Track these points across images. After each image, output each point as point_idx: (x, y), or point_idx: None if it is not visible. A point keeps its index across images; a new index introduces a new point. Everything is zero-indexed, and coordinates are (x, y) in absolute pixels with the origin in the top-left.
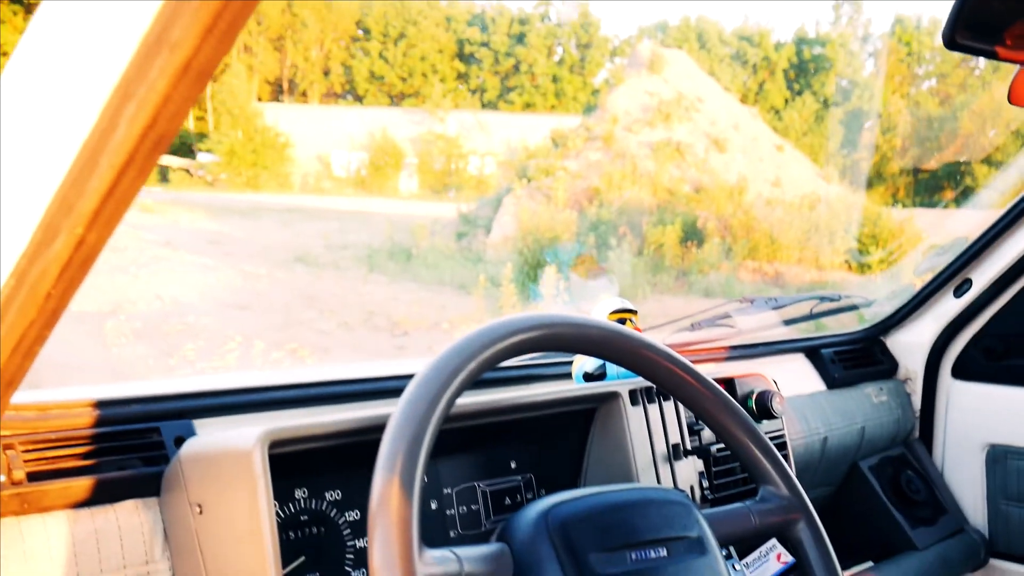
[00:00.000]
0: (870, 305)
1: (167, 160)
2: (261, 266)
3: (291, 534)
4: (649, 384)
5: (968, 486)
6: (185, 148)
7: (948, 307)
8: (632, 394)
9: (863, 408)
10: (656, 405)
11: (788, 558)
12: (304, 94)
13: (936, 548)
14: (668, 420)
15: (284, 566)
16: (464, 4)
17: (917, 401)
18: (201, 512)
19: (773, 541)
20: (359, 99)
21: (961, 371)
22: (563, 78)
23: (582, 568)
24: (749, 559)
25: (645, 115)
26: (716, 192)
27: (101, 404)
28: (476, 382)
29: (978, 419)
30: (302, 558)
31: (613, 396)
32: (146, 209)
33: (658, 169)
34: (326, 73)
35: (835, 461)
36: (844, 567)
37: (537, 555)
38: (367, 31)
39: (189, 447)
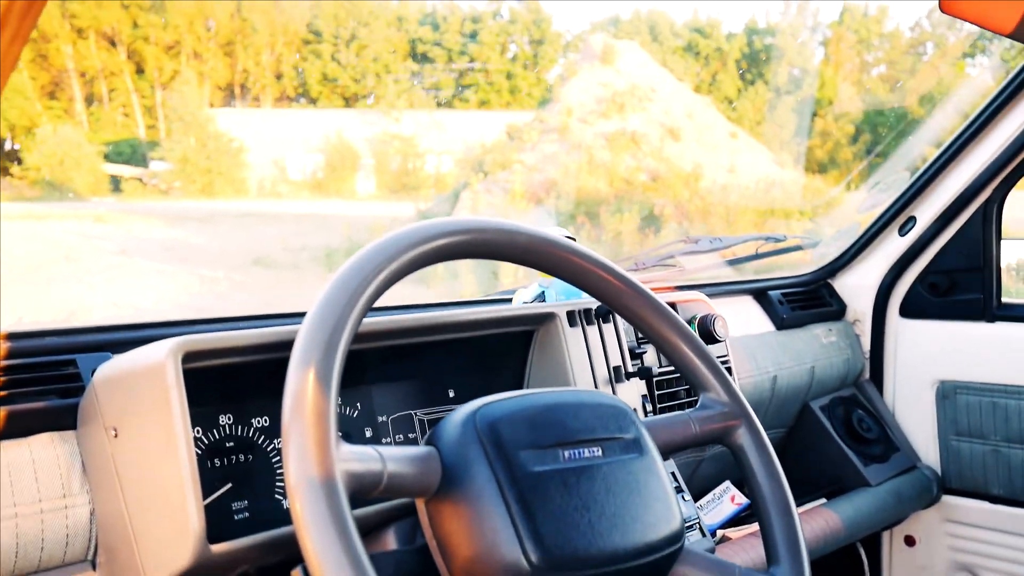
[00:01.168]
0: (815, 245)
1: (119, 170)
2: (218, 270)
3: (216, 461)
4: (587, 306)
5: (919, 424)
6: (138, 157)
7: (893, 246)
8: (570, 315)
9: (812, 348)
10: (595, 328)
11: (742, 499)
12: (257, 99)
13: (889, 484)
14: (608, 343)
15: (209, 494)
16: (415, 4)
17: (866, 342)
18: (116, 435)
19: (727, 483)
20: (313, 102)
21: (908, 310)
22: (517, 74)
23: (513, 466)
24: (703, 501)
25: (599, 106)
26: (672, 179)
27: (14, 336)
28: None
29: (927, 357)
30: (228, 485)
31: (550, 317)
32: (99, 219)
33: (614, 159)
34: (278, 77)
35: (786, 401)
36: (797, 504)
37: (465, 455)
38: (318, 33)
39: (103, 371)
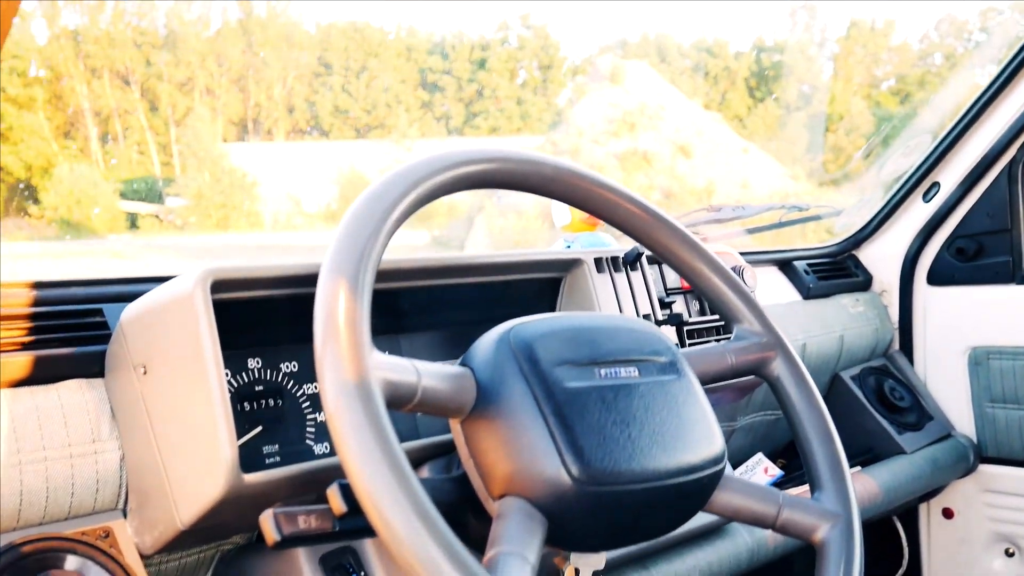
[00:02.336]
0: (838, 214)
1: (135, 207)
2: None
3: (247, 405)
4: (615, 253)
5: (952, 392)
6: (153, 194)
7: (918, 213)
8: (598, 262)
9: (840, 318)
10: (624, 275)
11: (775, 471)
12: (269, 132)
13: (925, 452)
14: (637, 290)
15: (240, 436)
16: (424, 33)
17: (894, 313)
18: (146, 372)
19: (759, 455)
20: (325, 134)
21: (936, 277)
22: (527, 100)
23: (549, 382)
24: (735, 473)
25: (610, 126)
26: (685, 196)
27: (40, 285)
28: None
29: (957, 323)
30: (259, 428)
31: (577, 263)
32: (116, 255)
33: (626, 177)
34: (290, 110)
35: (816, 370)
36: None
37: (500, 373)
38: (328, 66)
39: (130, 310)
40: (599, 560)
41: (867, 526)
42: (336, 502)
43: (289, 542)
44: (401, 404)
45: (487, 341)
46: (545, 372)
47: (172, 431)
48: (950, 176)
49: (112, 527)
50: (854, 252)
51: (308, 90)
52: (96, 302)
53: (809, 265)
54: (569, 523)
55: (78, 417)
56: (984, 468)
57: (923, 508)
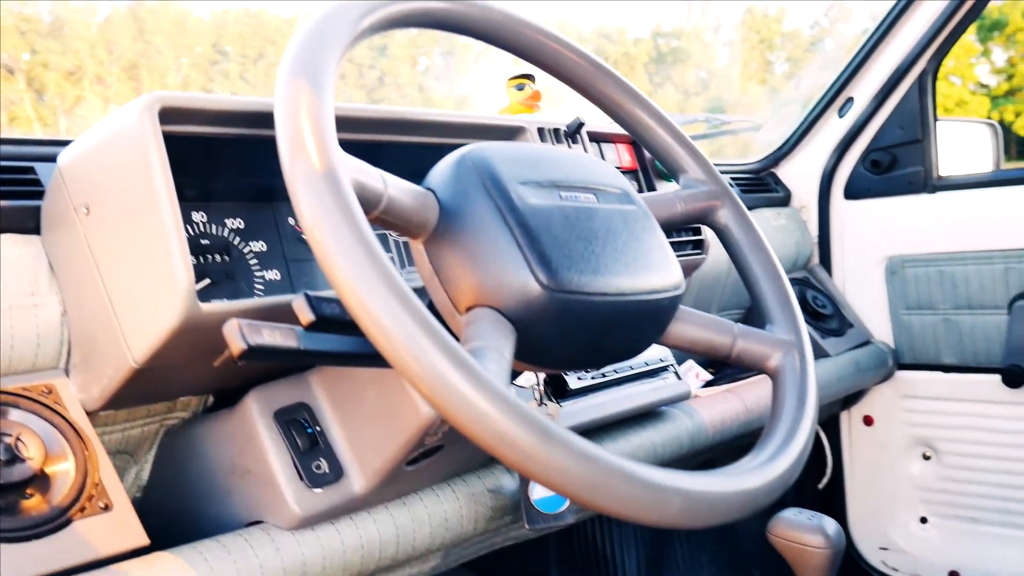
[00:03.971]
0: (758, 129)
1: None
2: None
3: (192, 259)
4: (556, 125)
5: (870, 302)
6: None
7: (834, 129)
8: (540, 132)
9: (763, 230)
10: (565, 147)
11: (706, 376)
12: None
13: (847, 355)
14: None
15: None
16: None
17: (813, 228)
18: (88, 212)
19: (690, 362)
20: None
21: (852, 191)
22: (429, 87)
23: (512, 198)
24: None
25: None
26: None
27: None
28: None
29: (873, 235)
30: (207, 280)
31: (520, 131)
32: None
33: None
34: None
35: (738, 291)
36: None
37: (462, 191)
38: (224, 53)
39: (68, 152)
40: (551, 419)
41: None
42: (303, 311)
43: (255, 354)
44: (367, 209)
45: (446, 163)
46: (508, 188)
47: (121, 267)
48: (863, 91)
49: (55, 384)
50: (773, 170)
51: (204, 78)
52: (28, 160)
53: (732, 179)
54: (537, 333)
55: (14, 271)
56: (901, 374)
57: (844, 416)
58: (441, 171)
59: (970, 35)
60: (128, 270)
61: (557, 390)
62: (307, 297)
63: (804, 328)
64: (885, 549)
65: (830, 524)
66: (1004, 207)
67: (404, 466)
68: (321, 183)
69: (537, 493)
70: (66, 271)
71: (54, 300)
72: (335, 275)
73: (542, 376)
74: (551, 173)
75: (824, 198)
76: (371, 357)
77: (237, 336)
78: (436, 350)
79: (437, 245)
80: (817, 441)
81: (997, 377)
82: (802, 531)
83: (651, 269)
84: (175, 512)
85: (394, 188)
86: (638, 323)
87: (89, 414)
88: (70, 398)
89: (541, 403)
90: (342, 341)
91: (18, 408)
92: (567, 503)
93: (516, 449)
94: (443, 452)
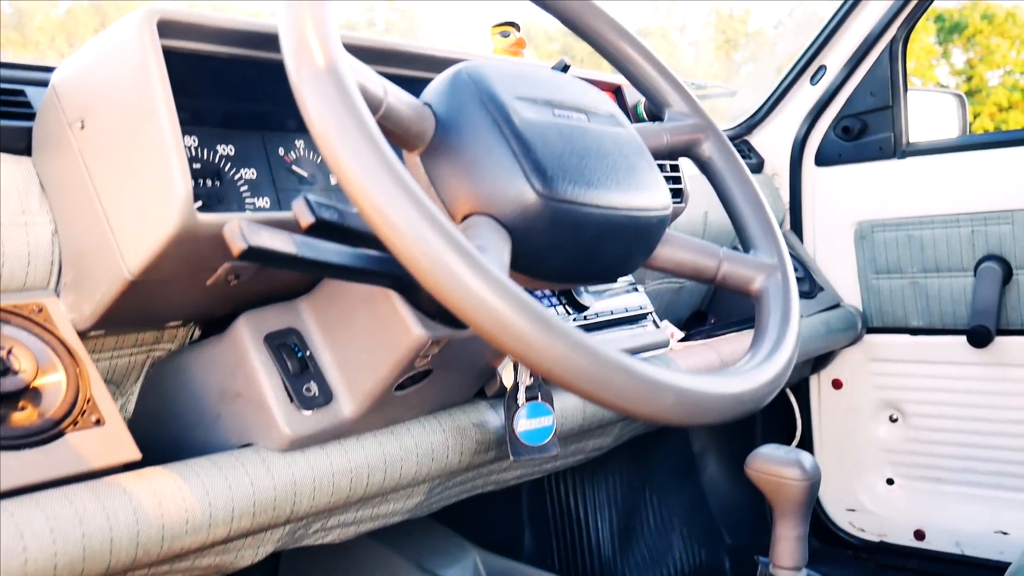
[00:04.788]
0: (733, 95)
1: None
2: None
3: None
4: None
5: (840, 268)
6: None
7: (806, 97)
8: None
9: None
10: None
11: (680, 335)
12: None
13: (818, 316)
14: None
15: None
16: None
17: (785, 194)
18: (83, 127)
19: (665, 321)
20: None
21: (823, 158)
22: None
23: (507, 110)
24: None
25: None
26: None
27: None
28: None
29: (843, 201)
30: (199, 202)
31: None
32: None
33: None
34: None
35: (716, 240)
36: (735, 329)
37: (459, 102)
38: None
39: (63, 69)
40: None
41: None
42: (303, 214)
43: (253, 255)
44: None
45: (442, 79)
46: (503, 102)
47: (116, 180)
48: (836, 58)
49: (45, 303)
50: (747, 138)
51: None
52: (18, 83)
53: None
54: (532, 241)
55: (4, 190)
56: (870, 338)
57: (814, 380)
58: (437, 86)
59: (930, 37)
60: (124, 182)
61: None
62: (307, 200)
63: (786, 252)
64: (852, 510)
65: (806, 458)
66: (971, 171)
67: (393, 391)
68: (326, 80)
69: (521, 426)
70: (57, 190)
71: (45, 219)
72: (340, 165)
73: None
74: (545, 92)
75: (796, 165)
76: (368, 272)
77: (237, 236)
78: (441, 240)
79: (433, 157)
80: (787, 405)
81: (963, 338)
82: (779, 464)
83: (641, 188)
84: (163, 440)
85: (394, 96)
86: (628, 239)
87: (79, 335)
88: (60, 317)
89: None
90: (340, 253)
91: (9, 324)
92: (551, 436)
93: (517, 338)
94: (431, 379)
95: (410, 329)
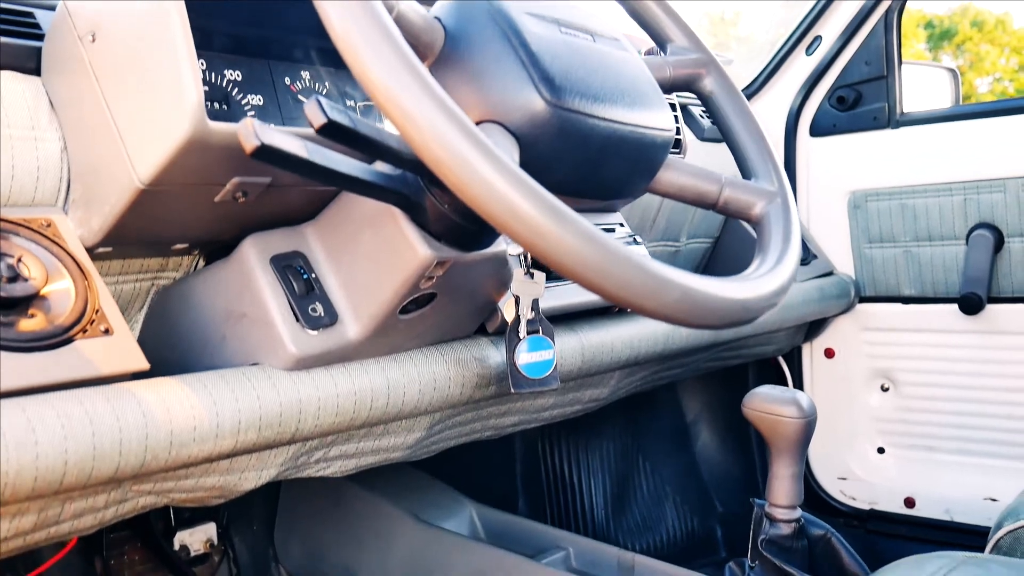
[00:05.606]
0: (730, 63)
1: None
2: None
3: None
4: None
5: (834, 238)
6: None
7: (802, 67)
8: None
9: (732, 162)
10: None
11: None
12: None
13: (812, 282)
14: None
15: None
16: None
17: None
18: (94, 39)
19: None
20: None
21: (818, 128)
22: None
23: (516, 22)
24: None
25: None
26: None
27: None
28: None
29: (837, 171)
30: None
31: None
32: None
33: None
34: None
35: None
36: None
37: (468, 15)
38: None
39: None
40: (538, 287)
41: (755, 365)
42: (315, 114)
43: (265, 154)
44: None
45: None
46: (512, 16)
47: (128, 90)
48: (831, 29)
49: (54, 219)
50: None
51: None
52: (28, 5)
53: (703, 111)
54: (539, 150)
55: (15, 104)
56: (862, 307)
57: (806, 349)
58: (446, 1)
59: (920, 43)
60: (135, 91)
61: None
62: (319, 101)
63: (786, 180)
64: (843, 479)
65: (803, 397)
66: (964, 140)
67: (397, 315)
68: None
69: (522, 359)
70: (67, 106)
71: (54, 136)
72: (356, 59)
73: None
74: (552, 11)
75: (790, 136)
76: (377, 187)
77: (251, 133)
78: (457, 131)
79: (442, 67)
80: (779, 373)
81: (955, 307)
82: (776, 403)
83: (646, 107)
84: (169, 364)
85: (405, 5)
86: (632, 156)
87: (87, 252)
88: (69, 232)
89: (528, 272)
90: (351, 165)
91: (19, 236)
92: (551, 369)
93: (528, 225)
94: (435, 305)
95: (415, 249)
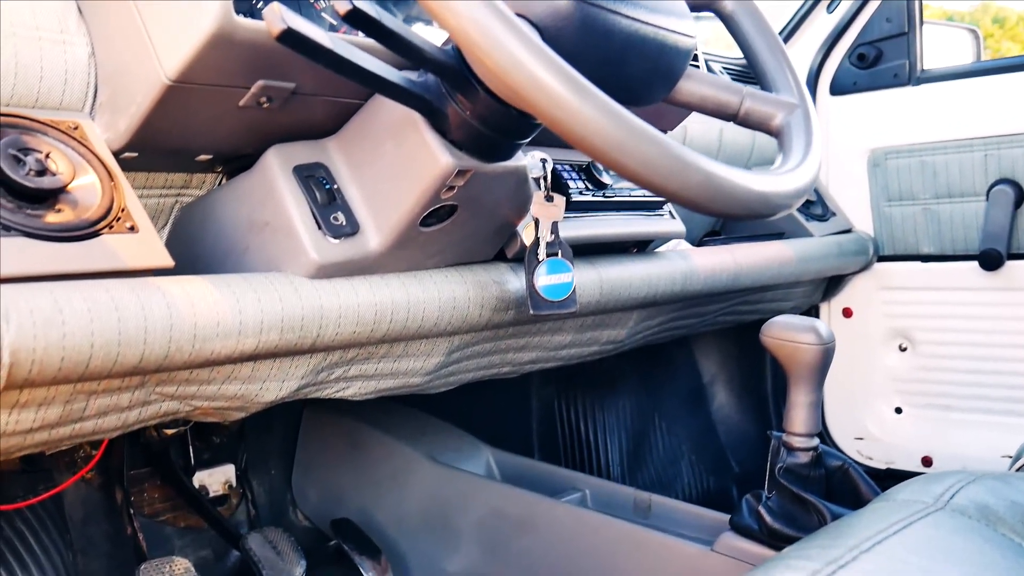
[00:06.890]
0: None
1: None
2: None
3: None
4: None
5: (853, 196)
6: None
7: (822, 25)
8: None
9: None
10: None
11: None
12: None
13: (831, 238)
14: None
15: None
16: None
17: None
18: None
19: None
20: None
21: (838, 87)
22: None
23: None
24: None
25: None
26: None
27: None
28: None
29: (858, 129)
30: None
31: None
32: None
33: None
34: None
35: (731, 160)
36: (749, 240)
37: None
38: None
39: None
40: (557, 210)
41: None
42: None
43: (290, 39)
44: None
45: None
46: None
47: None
48: None
49: (81, 122)
50: None
51: None
52: None
53: (724, 68)
54: (561, 44)
55: (44, 8)
56: (880, 266)
57: (824, 308)
58: None
59: None
60: None
61: (562, 189)
62: None
63: (807, 92)
64: (860, 439)
65: (821, 324)
66: (985, 96)
67: (418, 226)
68: None
69: (541, 281)
70: (94, 10)
71: (82, 40)
72: None
73: (550, 168)
74: None
75: (810, 94)
76: (400, 89)
77: (277, 17)
78: (486, 9)
79: None
80: None
81: (974, 264)
82: (795, 331)
83: (670, 13)
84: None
85: None
86: (653, 58)
87: (114, 156)
88: (95, 136)
89: (548, 196)
90: (373, 63)
91: (47, 136)
92: (570, 292)
93: (551, 98)
94: (455, 219)
95: (437, 156)
